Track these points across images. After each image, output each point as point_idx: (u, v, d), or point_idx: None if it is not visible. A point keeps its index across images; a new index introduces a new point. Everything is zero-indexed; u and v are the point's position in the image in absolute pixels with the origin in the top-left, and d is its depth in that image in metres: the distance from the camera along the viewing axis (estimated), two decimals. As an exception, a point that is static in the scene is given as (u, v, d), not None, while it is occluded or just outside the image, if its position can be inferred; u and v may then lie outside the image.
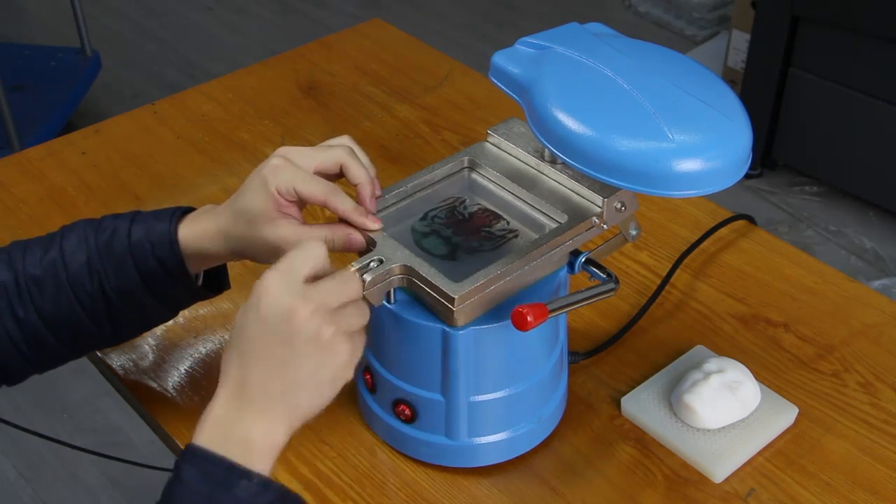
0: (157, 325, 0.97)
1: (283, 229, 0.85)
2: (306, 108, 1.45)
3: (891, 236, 2.55)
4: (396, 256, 0.85)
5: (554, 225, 0.89)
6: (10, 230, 1.23)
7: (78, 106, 2.83)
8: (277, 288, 0.73)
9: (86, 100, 2.91)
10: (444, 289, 0.82)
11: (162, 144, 1.39)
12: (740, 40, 2.83)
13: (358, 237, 0.87)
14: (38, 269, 0.90)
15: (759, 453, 0.97)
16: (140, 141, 1.39)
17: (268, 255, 0.86)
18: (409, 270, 0.84)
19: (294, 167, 0.85)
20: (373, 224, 0.87)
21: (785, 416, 0.99)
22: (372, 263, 0.84)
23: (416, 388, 0.90)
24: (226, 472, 0.71)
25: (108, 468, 2.01)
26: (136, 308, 0.91)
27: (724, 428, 0.97)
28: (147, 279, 0.89)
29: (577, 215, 0.89)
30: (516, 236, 0.91)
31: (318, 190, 0.85)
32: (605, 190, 0.89)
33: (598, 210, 0.89)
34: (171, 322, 1.11)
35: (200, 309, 1.12)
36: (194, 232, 0.89)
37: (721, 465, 0.95)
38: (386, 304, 0.88)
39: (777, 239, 1.21)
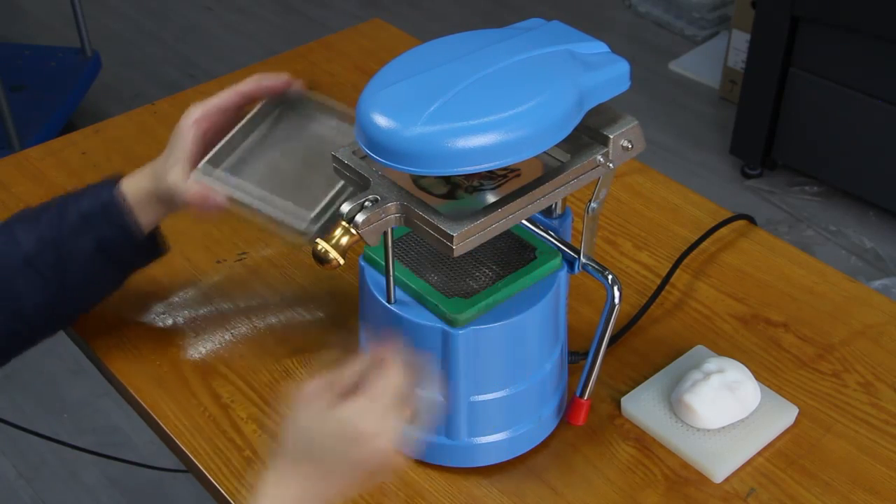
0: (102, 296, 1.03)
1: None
2: (306, 108, 1.44)
3: (891, 236, 2.55)
4: (392, 195, 0.82)
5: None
6: (10, 230, 1.23)
7: (78, 106, 2.83)
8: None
9: (86, 100, 2.91)
10: (442, 227, 0.79)
11: (162, 145, 1.37)
12: (740, 40, 2.83)
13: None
14: None
15: (759, 453, 0.97)
16: (140, 141, 1.39)
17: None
18: (405, 209, 0.82)
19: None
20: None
21: (785, 416, 0.99)
22: (367, 202, 0.81)
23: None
24: None
25: (108, 468, 2.01)
26: (86, 273, 0.98)
27: (724, 428, 0.97)
28: (101, 242, 0.97)
29: (582, 154, 0.86)
30: (518, 175, 0.87)
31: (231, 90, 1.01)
32: (613, 128, 0.86)
33: (605, 149, 0.86)
34: (170, 322, 1.11)
35: (201, 309, 1.12)
36: (133, 177, 1.01)
37: (721, 465, 0.95)
38: (386, 303, 0.88)
39: (777, 239, 1.21)
